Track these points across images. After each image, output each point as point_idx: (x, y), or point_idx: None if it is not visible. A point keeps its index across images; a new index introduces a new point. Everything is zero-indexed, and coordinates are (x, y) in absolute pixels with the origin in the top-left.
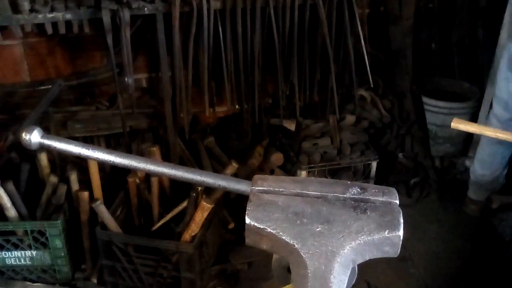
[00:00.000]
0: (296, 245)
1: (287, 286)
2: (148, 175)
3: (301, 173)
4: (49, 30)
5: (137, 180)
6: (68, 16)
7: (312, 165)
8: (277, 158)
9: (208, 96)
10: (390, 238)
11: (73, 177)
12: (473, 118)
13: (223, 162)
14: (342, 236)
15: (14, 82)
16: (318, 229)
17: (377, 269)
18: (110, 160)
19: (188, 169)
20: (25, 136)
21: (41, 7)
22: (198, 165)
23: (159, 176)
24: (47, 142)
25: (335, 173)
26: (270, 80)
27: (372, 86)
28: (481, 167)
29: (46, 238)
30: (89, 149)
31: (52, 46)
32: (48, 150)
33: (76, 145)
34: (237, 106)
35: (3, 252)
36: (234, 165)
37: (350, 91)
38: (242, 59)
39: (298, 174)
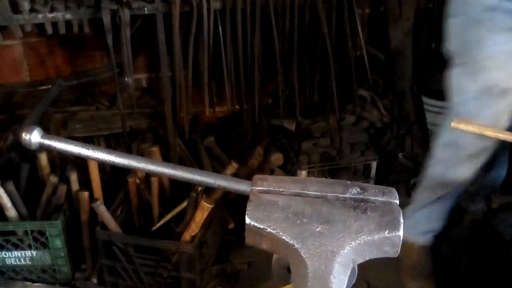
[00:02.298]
0: (296, 245)
1: (287, 286)
2: (148, 175)
3: (301, 173)
4: (49, 30)
5: (137, 180)
6: (68, 16)
7: (312, 165)
8: (277, 158)
9: (208, 96)
10: (390, 238)
11: (73, 177)
12: None
13: (223, 162)
14: (342, 236)
15: (14, 82)
16: (318, 229)
17: (377, 269)
18: (110, 160)
19: (188, 169)
20: (25, 136)
21: (41, 7)
22: (198, 165)
23: (159, 176)
24: (47, 142)
25: (335, 173)
26: (270, 80)
27: (372, 86)
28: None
29: (46, 238)
30: (89, 149)
31: (52, 46)
32: (48, 150)
33: (76, 145)
34: (237, 106)
35: (3, 252)
36: (234, 165)
37: (350, 91)
38: (242, 59)
39: (298, 174)
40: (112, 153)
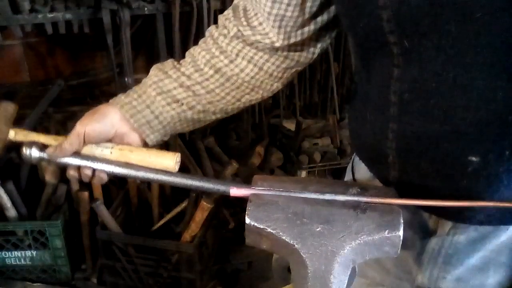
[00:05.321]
0: (296, 245)
1: (287, 286)
2: None
3: (301, 173)
4: (49, 30)
5: (137, 180)
6: (68, 16)
7: (312, 165)
8: (277, 158)
9: None
10: (390, 238)
11: None
12: None
13: (223, 162)
14: (342, 236)
15: (14, 82)
16: (318, 229)
17: None
18: (110, 171)
19: (185, 175)
20: (25, 151)
21: (41, 7)
22: (198, 165)
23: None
24: (46, 156)
25: (335, 173)
26: None
27: None
28: None
29: (46, 238)
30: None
31: (52, 46)
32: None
33: (76, 157)
34: None
35: (3, 252)
36: (234, 165)
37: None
38: None
39: (298, 174)
40: (111, 162)
